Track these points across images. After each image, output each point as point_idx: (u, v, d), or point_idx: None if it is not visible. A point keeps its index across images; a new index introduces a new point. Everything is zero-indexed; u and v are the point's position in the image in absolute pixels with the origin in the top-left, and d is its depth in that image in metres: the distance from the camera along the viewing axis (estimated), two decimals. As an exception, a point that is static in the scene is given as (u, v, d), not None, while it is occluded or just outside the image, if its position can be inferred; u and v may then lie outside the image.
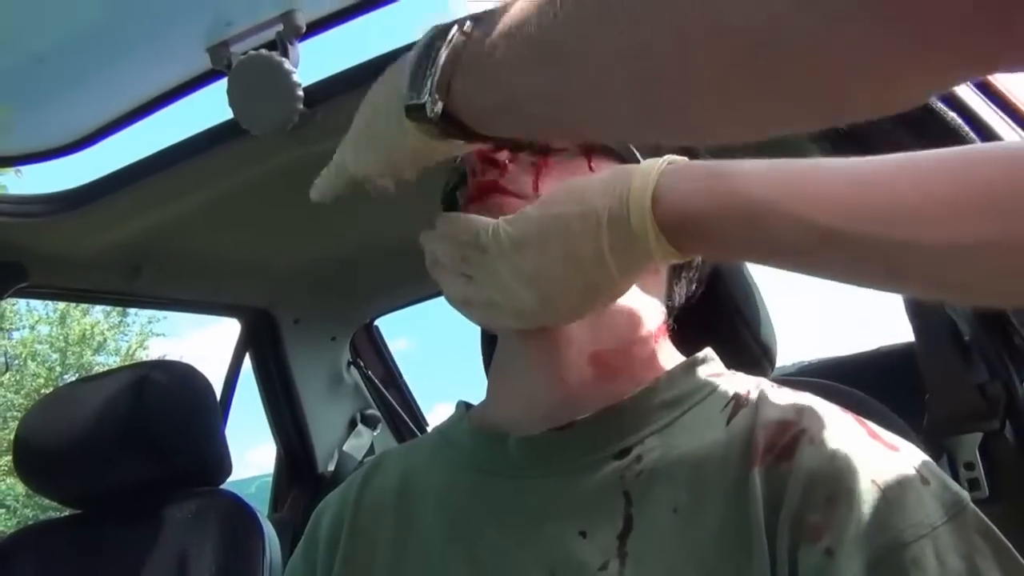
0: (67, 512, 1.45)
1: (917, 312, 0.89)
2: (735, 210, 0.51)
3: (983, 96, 0.82)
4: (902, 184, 0.48)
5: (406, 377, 2.50)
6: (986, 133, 0.79)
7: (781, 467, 0.55)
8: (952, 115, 0.79)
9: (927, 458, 0.55)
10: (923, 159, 0.49)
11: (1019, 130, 0.81)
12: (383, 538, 0.69)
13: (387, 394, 2.36)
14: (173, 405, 1.35)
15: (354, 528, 0.71)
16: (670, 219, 0.53)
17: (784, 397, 0.61)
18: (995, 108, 0.81)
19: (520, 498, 0.63)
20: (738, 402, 0.62)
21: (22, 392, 12.78)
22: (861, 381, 0.83)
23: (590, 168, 0.68)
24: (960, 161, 0.49)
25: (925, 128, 0.80)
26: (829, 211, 0.49)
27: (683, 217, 0.53)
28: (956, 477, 0.87)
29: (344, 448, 2.20)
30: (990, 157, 0.48)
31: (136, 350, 14.29)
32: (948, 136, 0.79)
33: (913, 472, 0.52)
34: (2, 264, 1.45)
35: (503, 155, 0.68)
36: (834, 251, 0.49)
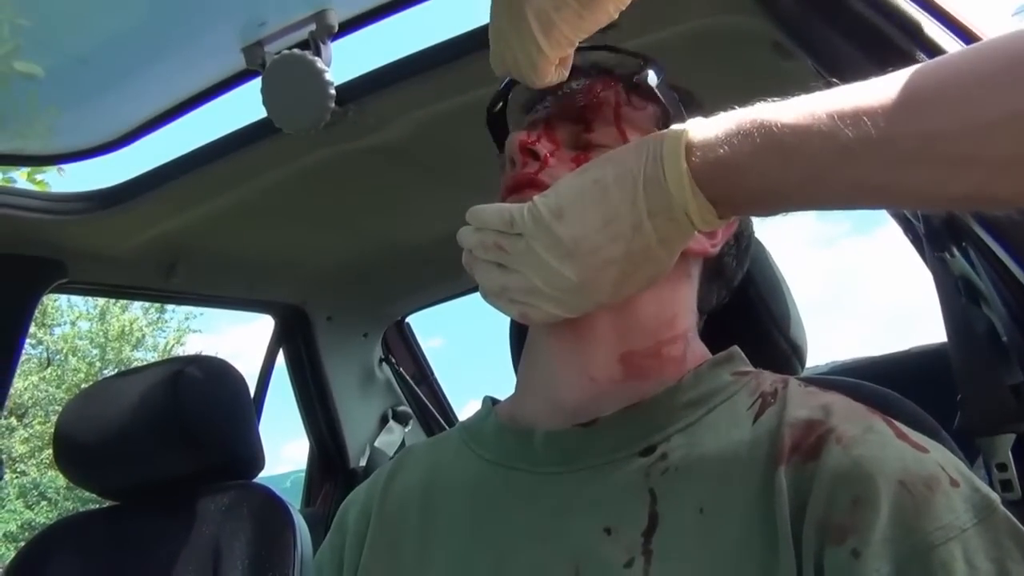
0: (106, 504, 1.48)
1: (952, 312, 0.88)
2: (766, 143, 0.52)
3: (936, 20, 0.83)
4: (919, 80, 0.49)
5: (441, 374, 2.51)
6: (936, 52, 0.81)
7: (807, 467, 0.54)
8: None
9: (956, 460, 0.54)
10: (932, 62, 0.51)
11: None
12: (409, 530, 0.69)
13: (418, 391, 2.37)
14: (207, 400, 1.37)
15: (381, 521, 0.72)
16: (705, 170, 0.53)
17: (811, 396, 0.60)
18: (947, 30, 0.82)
19: (545, 493, 0.63)
20: (764, 400, 0.61)
21: (63, 387, 13.03)
22: (894, 381, 0.82)
23: None
24: (974, 51, 0.51)
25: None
26: (855, 119, 0.49)
27: (717, 164, 0.53)
28: (989, 478, 0.86)
29: (376, 444, 2.22)
30: (1002, 42, 0.49)
31: (173, 346, 14.51)
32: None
33: (942, 473, 0.51)
34: (44, 261, 1.48)
35: (544, 147, 0.68)
36: (864, 161, 0.49)
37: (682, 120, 0.69)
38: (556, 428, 0.65)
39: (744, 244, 0.77)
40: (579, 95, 0.72)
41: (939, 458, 0.53)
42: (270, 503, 1.31)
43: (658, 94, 0.73)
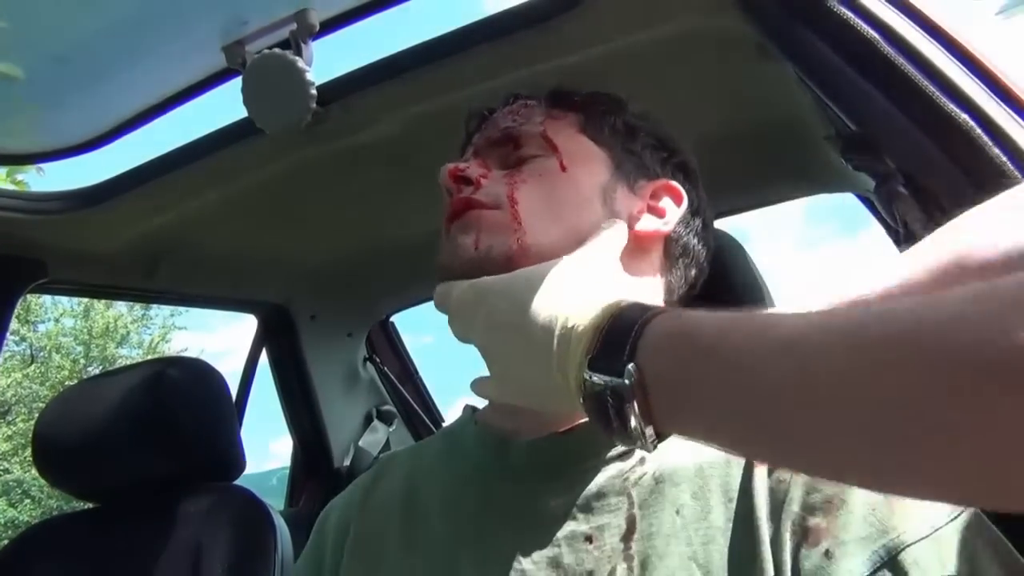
0: (88, 506, 1.47)
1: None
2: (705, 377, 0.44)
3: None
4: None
5: (432, 372, 2.51)
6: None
7: (783, 470, 0.55)
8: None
9: None
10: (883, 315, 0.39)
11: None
12: (390, 538, 0.69)
13: (403, 390, 2.37)
14: (188, 401, 1.36)
15: (361, 528, 0.72)
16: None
17: None
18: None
19: (525, 501, 0.64)
20: None
21: (47, 384, 12.94)
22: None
23: (562, 168, 0.69)
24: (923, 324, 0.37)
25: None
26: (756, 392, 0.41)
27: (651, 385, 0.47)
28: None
29: (360, 443, 2.21)
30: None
31: (158, 343, 14.44)
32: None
33: None
34: (23, 260, 1.47)
35: (475, 171, 0.70)
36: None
37: (607, 125, 0.73)
38: (534, 437, 0.65)
39: (702, 220, 0.77)
40: (500, 119, 0.75)
41: None
42: (251, 506, 1.31)
43: (577, 102, 0.76)
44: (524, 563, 0.60)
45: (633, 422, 0.44)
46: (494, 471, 0.67)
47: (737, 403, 0.40)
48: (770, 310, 0.46)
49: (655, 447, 0.47)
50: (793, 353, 0.38)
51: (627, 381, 0.44)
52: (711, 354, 0.42)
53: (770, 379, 0.39)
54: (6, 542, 1.47)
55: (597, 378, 0.46)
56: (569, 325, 0.51)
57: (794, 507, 0.53)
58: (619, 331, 0.46)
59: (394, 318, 2.45)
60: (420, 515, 0.69)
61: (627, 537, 0.58)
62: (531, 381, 0.55)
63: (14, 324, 1.53)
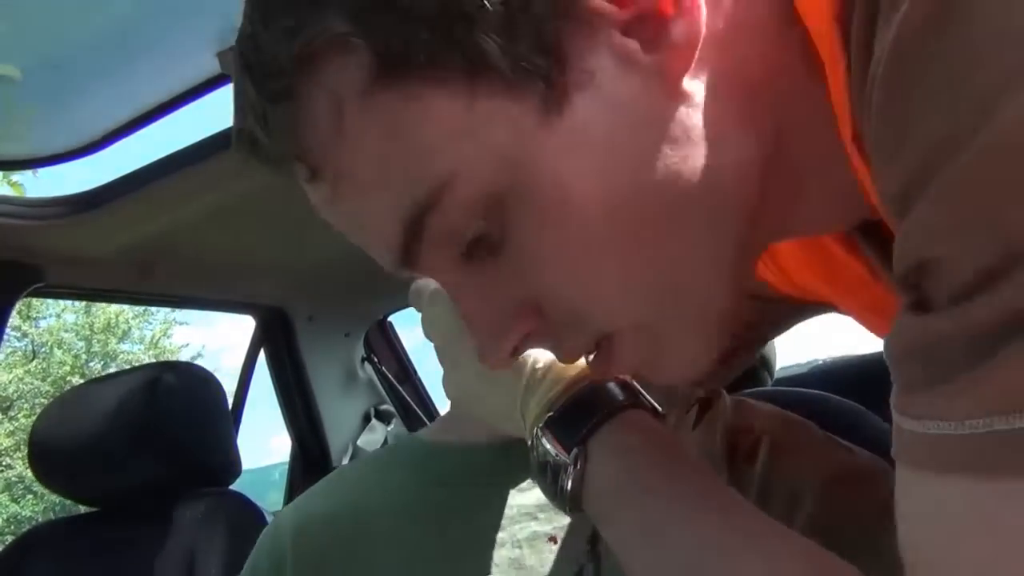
0: (87, 509, 1.48)
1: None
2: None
3: None
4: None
5: (430, 371, 2.51)
6: None
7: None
8: None
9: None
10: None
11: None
12: (337, 565, 0.65)
13: (401, 389, 2.37)
14: (184, 407, 1.37)
15: (299, 568, 0.66)
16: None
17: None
18: None
19: (486, 503, 0.63)
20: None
21: (48, 380, 12.95)
22: (872, 381, 0.82)
23: None
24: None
25: None
26: None
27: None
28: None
29: (358, 443, 2.22)
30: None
31: (160, 338, 14.44)
32: None
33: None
34: (18, 266, 1.47)
35: None
36: None
37: None
38: (497, 441, 0.64)
39: None
40: None
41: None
42: (246, 511, 1.31)
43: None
44: (488, 565, 0.60)
45: (566, 486, 0.47)
46: (455, 478, 0.66)
47: (639, 543, 0.45)
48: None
49: (572, 513, 0.50)
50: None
51: (569, 459, 0.47)
52: (639, 493, 0.46)
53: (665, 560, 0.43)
54: (9, 537, 1.47)
55: (548, 441, 0.49)
56: (539, 366, 0.52)
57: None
58: (586, 407, 0.49)
59: (391, 317, 2.45)
60: (375, 533, 0.65)
61: (594, 539, 0.57)
62: (485, 400, 0.57)
63: (16, 320, 1.53)
